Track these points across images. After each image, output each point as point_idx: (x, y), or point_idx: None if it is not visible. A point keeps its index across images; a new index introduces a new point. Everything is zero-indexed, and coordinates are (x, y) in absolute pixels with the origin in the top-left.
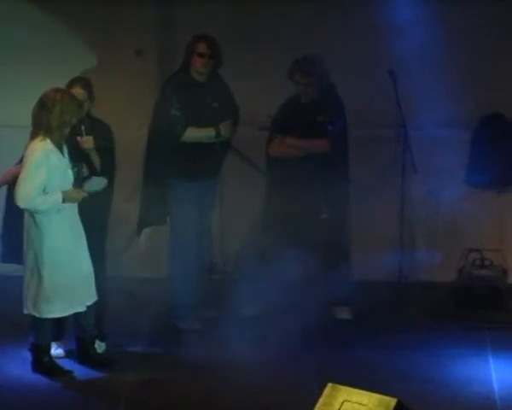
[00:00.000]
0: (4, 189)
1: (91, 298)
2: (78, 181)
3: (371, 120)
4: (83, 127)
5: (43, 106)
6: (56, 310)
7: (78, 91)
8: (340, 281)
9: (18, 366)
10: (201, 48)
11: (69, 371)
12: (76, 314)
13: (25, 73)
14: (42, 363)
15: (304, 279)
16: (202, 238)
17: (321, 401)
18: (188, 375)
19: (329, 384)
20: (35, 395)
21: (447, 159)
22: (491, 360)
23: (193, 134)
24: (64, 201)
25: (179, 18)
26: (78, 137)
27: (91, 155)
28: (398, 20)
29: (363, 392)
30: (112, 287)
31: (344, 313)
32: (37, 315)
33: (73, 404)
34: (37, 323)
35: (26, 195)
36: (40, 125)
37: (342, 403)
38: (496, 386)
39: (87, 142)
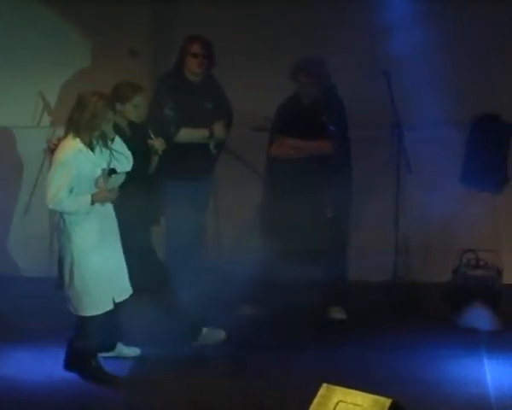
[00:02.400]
0: None
1: (124, 295)
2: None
3: (366, 120)
4: (151, 130)
5: (76, 106)
6: (89, 307)
7: (142, 96)
8: (334, 281)
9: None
10: (195, 48)
11: (116, 377)
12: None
13: (16, 73)
14: (87, 367)
15: (300, 279)
16: (197, 238)
17: (315, 401)
18: (181, 375)
19: (324, 385)
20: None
21: (442, 159)
22: (485, 361)
23: (186, 135)
24: (94, 202)
25: (174, 18)
26: (150, 140)
27: (154, 157)
28: (392, 20)
29: (358, 392)
30: None
31: (338, 314)
32: (73, 312)
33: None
34: (80, 321)
35: (53, 195)
36: (71, 125)
37: (337, 404)
38: (491, 387)
39: (159, 143)
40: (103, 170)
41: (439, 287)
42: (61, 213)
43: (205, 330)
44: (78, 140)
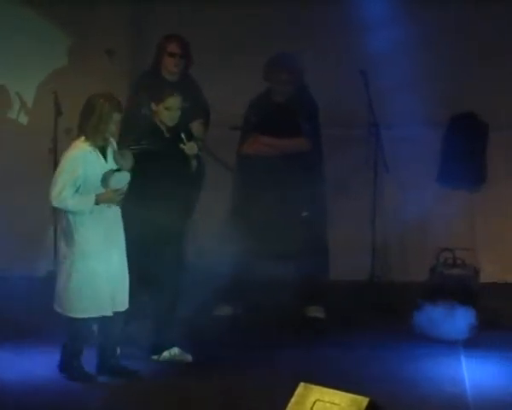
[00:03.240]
0: None
1: (120, 305)
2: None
3: (343, 119)
4: (183, 135)
5: (84, 109)
6: (79, 310)
7: (177, 99)
8: (313, 280)
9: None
10: (172, 48)
11: (94, 377)
12: (102, 318)
13: None
14: (69, 366)
15: (278, 278)
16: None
17: (293, 400)
18: (161, 374)
19: (301, 384)
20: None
21: (419, 158)
22: (463, 360)
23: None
24: (98, 202)
25: (150, 18)
26: (182, 145)
27: (191, 159)
28: (369, 19)
29: (336, 391)
30: None
31: (317, 312)
32: (61, 312)
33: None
34: (69, 322)
35: (57, 193)
36: (80, 128)
37: (314, 403)
38: (468, 385)
39: (191, 148)
40: (110, 170)
41: (416, 286)
42: (66, 213)
43: (175, 349)
44: (86, 142)
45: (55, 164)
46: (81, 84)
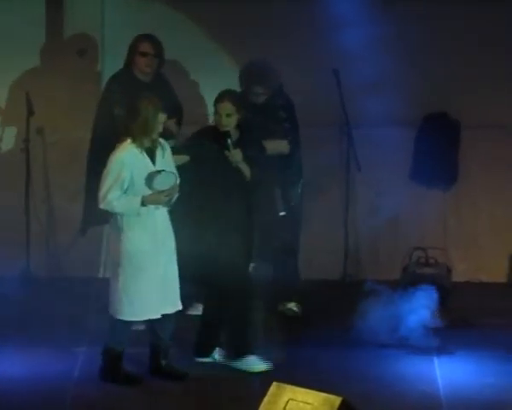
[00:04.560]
0: None
1: (171, 307)
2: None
3: (315, 118)
4: (229, 141)
5: (129, 112)
6: (128, 313)
7: (226, 105)
8: (287, 279)
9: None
10: (145, 47)
11: (139, 380)
12: (152, 320)
13: None
14: (114, 370)
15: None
16: None
17: (266, 399)
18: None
19: (274, 383)
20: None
21: (391, 157)
22: (435, 359)
23: None
24: (145, 204)
25: (122, 18)
26: (226, 152)
27: (240, 167)
28: (341, 18)
29: (309, 391)
30: (56, 287)
31: (294, 308)
32: (112, 315)
33: None
34: (113, 325)
35: (103, 195)
36: (126, 130)
37: (287, 402)
38: (440, 384)
39: (234, 155)
40: (155, 171)
41: (388, 285)
42: (114, 214)
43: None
44: (133, 145)
45: (28, 164)
46: (53, 84)
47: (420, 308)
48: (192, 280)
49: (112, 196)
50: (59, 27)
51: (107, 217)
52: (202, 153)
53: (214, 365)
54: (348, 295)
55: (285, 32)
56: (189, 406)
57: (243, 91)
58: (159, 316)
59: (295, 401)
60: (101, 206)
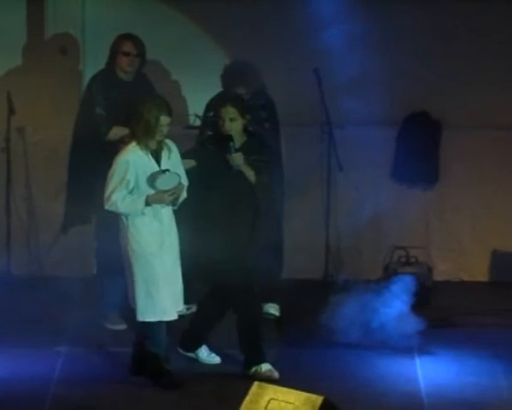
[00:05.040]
0: None
1: (178, 307)
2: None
3: (296, 118)
4: (231, 144)
5: (133, 115)
6: (149, 313)
7: (228, 110)
8: (268, 278)
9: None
10: (127, 47)
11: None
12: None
13: None
14: (150, 368)
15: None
16: None
17: (247, 399)
18: (114, 374)
19: (256, 383)
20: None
21: (373, 156)
22: (417, 358)
23: (118, 133)
24: (149, 204)
25: (103, 17)
26: (228, 155)
27: (243, 170)
28: (322, 17)
29: (290, 390)
30: (38, 286)
31: (273, 310)
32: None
33: None
34: (144, 328)
35: (107, 196)
36: (131, 133)
37: (269, 401)
38: (422, 384)
39: (235, 159)
40: (158, 171)
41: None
42: (121, 214)
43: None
44: (138, 146)
45: (8, 163)
46: (34, 83)
47: (399, 305)
48: (197, 278)
49: (116, 197)
50: (40, 26)
51: (89, 216)
52: (206, 157)
53: (197, 363)
54: (329, 294)
55: (267, 31)
56: (172, 406)
57: (224, 91)
58: (176, 317)
59: (277, 400)
60: (106, 207)
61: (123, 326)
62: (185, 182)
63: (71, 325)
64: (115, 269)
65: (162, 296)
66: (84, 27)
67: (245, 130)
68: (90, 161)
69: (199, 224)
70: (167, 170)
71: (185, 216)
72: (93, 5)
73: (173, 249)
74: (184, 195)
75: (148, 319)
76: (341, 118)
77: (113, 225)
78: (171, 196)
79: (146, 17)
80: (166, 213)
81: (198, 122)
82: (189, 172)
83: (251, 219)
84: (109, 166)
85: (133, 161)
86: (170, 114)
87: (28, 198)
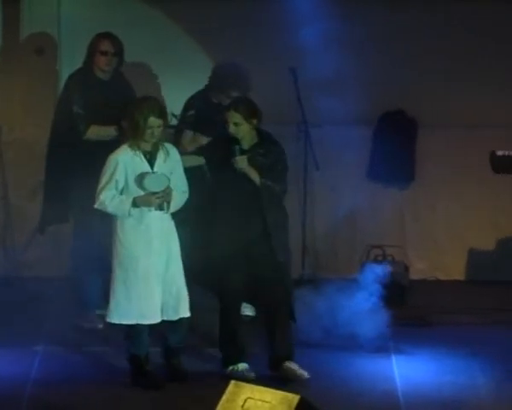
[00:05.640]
0: None
1: (173, 313)
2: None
3: (272, 117)
4: (236, 147)
5: (124, 117)
6: (115, 316)
7: (231, 114)
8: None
9: None
10: (104, 46)
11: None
12: (164, 321)
13: None
14: (136, 374)
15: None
16: (105, 237)
17: (224, 398)
18: (92, 374)
19: (232, 382)
20: None
21: (349, 155)
22: (393, 357)
23: (95, 132)
24: (136, 205)
25: (79, 16)
26: (232, 158)
27: (247, 173)
28: (298, 16)
29: (266, 389)
30: (14, 286)
31: (247, 310)
32: (107, 319)
33: None
34: (126, 330)
35: (96, 195)
36: (125, 134)
37: (245, 400)
38: (398, 382)
39: (239, 162)
40: (146, 172)
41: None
42: (112, 215)
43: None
44: (129, 147)
45: None
46: (10, 83)
47: (368, 297)
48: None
49: (104, 196)
50: (16, 26)
51: (66, 215)
52: (214, 158)
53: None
54: (306, 292)
55: (243, 30)
56: (150, 406)
57: (204, 89)
58: (158, 321)
59: (253, 399)
60: (95, 205)
61: (100, 325)
62: (184, 187)
63: (48, 324)
64: (93, 268)
65: (141, 300)
66: (60, 27)
67: (257, 131)
68: (68, 160)
69: (204, 224)
70: (156, 172)
71: (192, 217)
72: (69, 4)
73: (167, 255)
74: (179, 202)
75: (123, 322)
76: (318, 117)
77: (91, 223)
78: (158, 198)
79: (122, 16)
80: (156, 217)
81: (175, 121)
82: (194, 173)
83: (256, 220)
84: (86, 165)
85: (123, 161)
86: (161, 116)
87: (4, 198)
